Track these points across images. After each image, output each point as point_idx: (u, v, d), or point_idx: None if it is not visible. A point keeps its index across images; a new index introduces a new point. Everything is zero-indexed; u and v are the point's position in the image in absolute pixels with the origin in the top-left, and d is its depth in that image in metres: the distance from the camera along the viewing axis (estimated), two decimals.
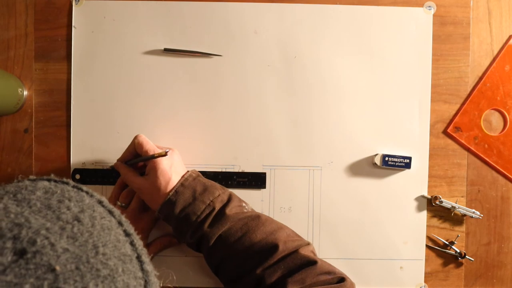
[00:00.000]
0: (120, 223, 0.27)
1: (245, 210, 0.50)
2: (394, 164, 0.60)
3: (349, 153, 0.61)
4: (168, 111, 0.61)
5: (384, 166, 0.60)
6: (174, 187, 0.49)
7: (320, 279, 0.44)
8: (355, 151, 0.61)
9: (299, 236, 0.50)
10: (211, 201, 0.49)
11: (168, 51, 0.61)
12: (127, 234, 0.26)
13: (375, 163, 0.60)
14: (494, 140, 0.62)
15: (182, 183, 0.50)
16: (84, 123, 0.61)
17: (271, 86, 0.61)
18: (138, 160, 0.53)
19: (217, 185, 0.52)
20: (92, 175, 0.60)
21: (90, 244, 0.22)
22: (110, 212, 0.27)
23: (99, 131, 0.61)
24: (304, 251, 0.46)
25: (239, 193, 0.56)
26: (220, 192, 0.50)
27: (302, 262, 0.45)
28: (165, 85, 0.61)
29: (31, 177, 0.27)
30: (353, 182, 0.61)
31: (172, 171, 0.50)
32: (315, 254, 0.48)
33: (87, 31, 0.61)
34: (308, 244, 0.48)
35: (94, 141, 0.61)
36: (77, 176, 0.60)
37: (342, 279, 0.44)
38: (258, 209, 0.60)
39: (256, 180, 0.60)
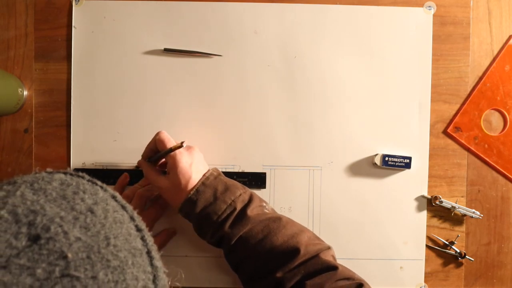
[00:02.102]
0: (132, 218, 0.27)
1: (266, 211, 0.50)
2: (394, 164, 0.60)
3: (349, 153, 0.61)
4: (168, 111, 0.61)
5: (384, 166, 0.60)
6: (195, 186, 0.48)
7: (338, 285, 0.44)
8: (355, 151, 0.61)
9: (319, 239, 0.50)
10: (233, 200, 0.48)
11: (168, 51, 0.61)
12: (138, 229, 0.27)
13: (375, 163, 0.60)
14: (494, 140, 0.62)
15: (203, 182, 0.49)
16: (84, 123, 0.61)
17: (271, 86, 0.61)
18: (157, 156, 0.52)
19: (238, 184, 0.51)
20: (92, 175, 0.60)
21: (102, 235, 0.23)
22: (123, 207, 0.27)
23: (99, 131, 0.61)
24: (325, 256, 0.46)
25: None
26: (241, 192, 0.49)
27: (322, 267, 0.45)
28: (165, 85, 0.61)
29: (48, 169, 0.28)
30: (353, 182, 0.61)
31: (193, 169, 0.49)
32: (335, 259, 0.48)
33: (87, 31, 0.61)
34: (329, 248, 0.48)
35: (94, 141, 0.61)
36: None
37: (360, 285, 0.44)
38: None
39: (256, 180, 0.60)
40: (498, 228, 0.62)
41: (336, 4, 0.61)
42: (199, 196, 0.48)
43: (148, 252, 0.26)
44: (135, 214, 0.28)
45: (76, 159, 0.61)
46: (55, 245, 0.20)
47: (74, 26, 0.61)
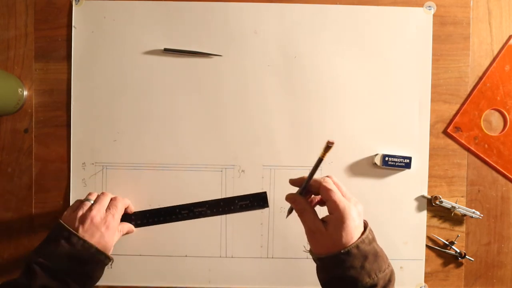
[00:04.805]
0: None
1: None
2: (394, 164, 0.60)
3: (349, 153, 0.61)
4: (168, 111, 0.61)
5: (384, 166, 0.60)
6: (349, 245, 0.43)
7: None
8: (355, 151, 0.61)
9: None
10: (377, 276, 0.43)
11: (168, 51, 0.61)
12: None
13: (375, 163, 0.60)
14: (494, 140, 0.62)
15: (358, 245, 0.43)
16: (84, 123, 0.61)
17: (271, 86, 0.61)
18: (304, 185, 0.47)
19: (385, 255, 0.46)
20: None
21: None
22: None
23: (99, 131, 0.61)
24: None
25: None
26: (385, 267, 0.44)
27: None
28: (165, 85, 0.61)
29: None
30: (353, 182, 0.61)
31: (354, 229, 0.44)
32: None
33: (87, 31, 0.61)
34: None
35: (94, 141, 0.61)
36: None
37: None
38: (259, 209, 0.60)
39: (258, 201, 0.60)
40: (498, 228, 0.62)
41: (336, 4, 0.61)
42: (348, 259, 0.43)
43: None
44: None
45: (76, 159, 0.61)
46: None
47: (74, 26, 0.61)
